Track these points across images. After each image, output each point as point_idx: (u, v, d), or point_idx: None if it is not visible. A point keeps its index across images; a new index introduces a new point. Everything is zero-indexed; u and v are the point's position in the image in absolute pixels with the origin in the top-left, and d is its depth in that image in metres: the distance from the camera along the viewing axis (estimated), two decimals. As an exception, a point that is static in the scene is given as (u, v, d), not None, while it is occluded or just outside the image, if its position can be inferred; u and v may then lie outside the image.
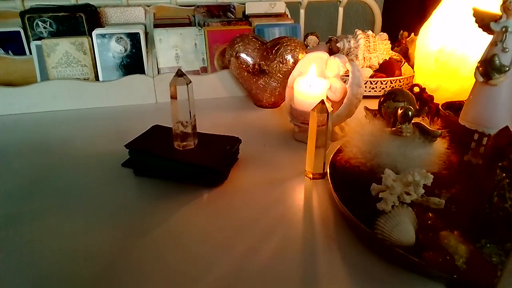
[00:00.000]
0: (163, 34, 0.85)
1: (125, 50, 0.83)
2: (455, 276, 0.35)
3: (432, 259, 0.36)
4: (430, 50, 0.76)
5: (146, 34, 0.88)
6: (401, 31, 1.09)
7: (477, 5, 0.49)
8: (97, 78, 0.83)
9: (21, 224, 0.45)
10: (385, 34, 0.93)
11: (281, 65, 0.74)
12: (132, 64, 0.84)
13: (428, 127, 0.46)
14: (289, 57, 0.74)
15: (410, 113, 0.45)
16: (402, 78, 0.86)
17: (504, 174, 0.39)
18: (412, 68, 0.89)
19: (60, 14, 0.81)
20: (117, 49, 0.82)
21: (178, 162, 0.52)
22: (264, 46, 0.77)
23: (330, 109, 0.50)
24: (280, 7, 1.00)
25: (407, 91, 0.56)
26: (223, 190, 0.52)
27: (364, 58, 0.90)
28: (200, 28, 0.88)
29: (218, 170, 0.52)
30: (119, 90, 0.82)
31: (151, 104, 0.85)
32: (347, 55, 0.92)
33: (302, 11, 1.11)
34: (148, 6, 0.95)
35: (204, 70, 0.90)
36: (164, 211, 0.47)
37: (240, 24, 0.93)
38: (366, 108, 0.59)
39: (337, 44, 0.93)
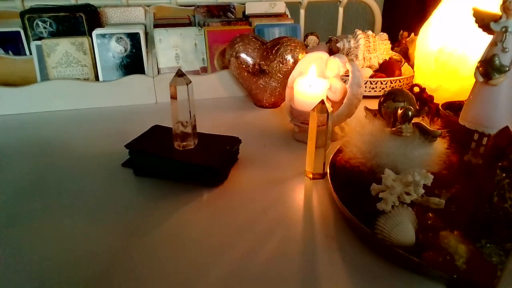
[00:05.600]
0: (163, 34, 0.85)
1: (125, 50, 0.83)
2: (455, 276, 0.35)
3: (432, 259, 0.36)
4: (430, 50, 0.76)
5: (146, 34, 0.88)
6: (401, 31, 1.09)
7: (477, 5, 0.49)
8: (97, 78, 0.83)
9: (21, 224, 0.45)
10: (385, 34, 0.93)
11: (281, 65, 0.74)
12: (132, 64, 0.84)
13: (428, 127, 0.46)
14: (289, 57, 0.74)
15: (410, 113, 0.45)
16: (402, 78, 0.86)
17: (504, 174, 0.39)
18: (412, 68, 0.89)
19: (60, 14, 0.81)
20: (117, 49, 0.82)
21: (178, 162, 0.52)
22: (264, 46, 0.77)
23: (330, 109, 0.50)
24: (280, 7, 1.00)
25: (407, 91, 0.56)
26: (223, 190, 0.52)
27: (364, 58, 0.90)
28: (200, 28, 0.88)
29: (218, 170, 0.52)
30: (119, 90, 0.82)
31: (151, 104, 0.85)
32: (347, 55, 0.92)
33: (302, 11, 1.11)
34: (148, 6, 0.95)
35: (204, 70, 0.90)
36: (164, 211, 0.47)
37: (240, 24, 0.93)
38: (366, 108, 0.59)
39: (337, 44, 0.93)
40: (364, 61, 0.90)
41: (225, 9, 0.97)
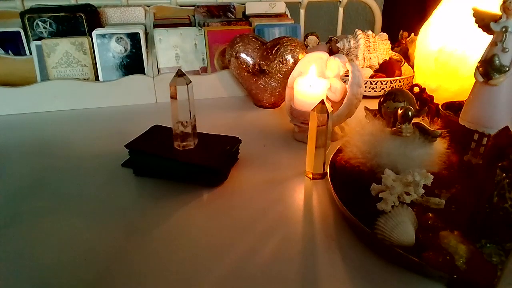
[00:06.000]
0: (163, 34, 0.85)
1: (125, 50, 0.83)
2: (455, 276, 0.35)
3: (432, 259, 0.36)
4: (430, 50, 0.76)
5: (146, 34, 0.88)
6: (401, 31, 1.09)
7: (477, 5, 0.49)
8: (97, 78, 0.83)
9: (21, 225, 0.45)
10: (385, 34, 0.93)
11: (281, 65, 0.74)
12: (132, 64, 0.84)
13: (428, 127, 0.46)
14: (289, 57, 0.74)
15: (410, 113, 0.45)
16: (402, 78, 0.86)
17: (504, 174, 0.39)
18: (412, 68, 0.89)
19: (60, 14, 0.81)
20: (117, 49, 0.82)
21: (178, 162, 0.52)
22: (264, 46, 0.77)
23: (330, 109, 0.50)
24: (280, 7, 1.00)
25: (407, 91, 0.56)
26: (223, 190, 0.52)
27: (364, 58, 0.90)
28: (200, 28, 0.88)
29: (218, 170, 0.52)
30: (119, 90, 0.82)
31: (151, 104, 0.85)
32: (347, 55, 0.92)
33: (302, 11, 1.11)
34: (148, 6, 0.95)
35: (204, 70, 0.90)
36: (164, 211, 0.47)
37: (240, 24, 0.93)
38: (366, 108, 0.59)
39: (337, 44, 0.93)
40: (364, 61, 0.90)
41: (225, 9, 0.97)
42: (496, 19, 0.46)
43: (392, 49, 0.97)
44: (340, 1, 1.14)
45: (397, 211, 0.40)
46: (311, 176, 0.54)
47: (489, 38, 0.48)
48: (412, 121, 0.46)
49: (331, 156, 0.54)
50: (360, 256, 0.40)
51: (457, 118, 0.53)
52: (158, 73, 0.85)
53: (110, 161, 0.59)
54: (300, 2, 1.09)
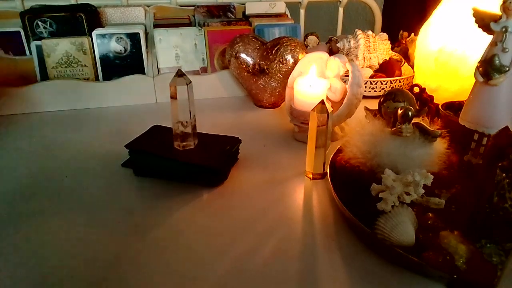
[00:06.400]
0: (163, 34, 0.85)
1: (125, 50, 0.83)
2: (455, 276, 0.35)
3: (432, 259, 0.36)
4: (430, 50, 0.76)
5: (146, 34, 0.88)
6: (401, 31, 1.09)
7: (477, 5, 0.49)
8: (97, 78, 0.83)
9: (21, 225, 0.45)
10: (385, 34, 0.93)
11: (281, 65, 0.74)
12: (132, 64, 0.84)
13: (428, 127, 0.46)
14: (289, 57, 0.74)
15: (410, 113, 0.45)
16: (402, 78, 0.86)
17: (504, 174, 0.39)
18: (412, 68, 0.89)
19: (60, 14, 0.81)
20: (117, 49, 0.82)
21: (178, 162, 0.52)
22: (264, 46, 0.77)
23: (330, 109, 0.50)
24: (280, 7, 1.00)
25: (407, 91, 0.56)
26: (223, 190, 0.52)
27: (364, 58, 0.90)
28: (200, 28, 0.88)
29: (218, 170, 0.52)
30: (119, 90, 0.82)
31: (151, 104, 0.85)
32: (347, 55, 0.92)
33: (302, 11, 1.11)
34: (148, 6, 0.95)
35: (204, 70, 0.90)
36: (164, 211, 0.47)
37: (240, 24, 0.93)
38: (366, 108, 0.59)
39: (337, 44, 0.93)
40: (364, 61, 0.90)
41: (225, 9, 0.97)
42: (496, 19, 0.46)
43: (392, 49, 0.97)
44: (340, 1, 1.14)
45: (397, 211, 0.40)
46: (311, 176, 0.54)
47: (489, 38, 0.48)
48: (412, 121, 0.46)
49: (331, 156, 0.54)
50: (360, 256, 0.40)
51: (457, 118, 0.53)
52: (158, 73, 0.85)
53: (110, 161, 0.59)
54: (300, 2, 1.09)
